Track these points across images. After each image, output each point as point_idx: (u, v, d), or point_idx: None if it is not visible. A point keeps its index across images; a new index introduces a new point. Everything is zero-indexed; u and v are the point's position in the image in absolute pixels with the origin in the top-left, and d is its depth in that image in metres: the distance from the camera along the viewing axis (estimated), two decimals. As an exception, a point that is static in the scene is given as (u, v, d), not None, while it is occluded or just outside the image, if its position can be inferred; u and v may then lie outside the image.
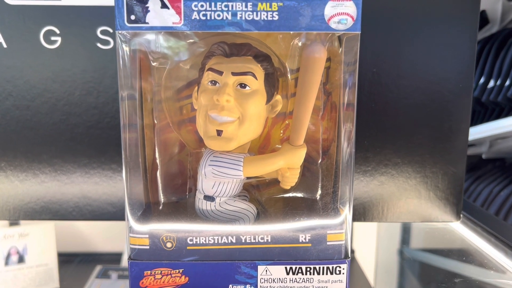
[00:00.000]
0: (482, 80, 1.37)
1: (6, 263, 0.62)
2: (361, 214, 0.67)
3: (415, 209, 0.67)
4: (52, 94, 0.62)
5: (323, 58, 0.43)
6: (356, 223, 0.70)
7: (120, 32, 0.42)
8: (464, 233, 0.68)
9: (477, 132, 1.34)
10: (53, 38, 0.60)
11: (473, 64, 0.62)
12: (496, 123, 1.29)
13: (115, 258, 0.77)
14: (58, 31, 0.60)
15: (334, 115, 0.50)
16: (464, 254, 0.64)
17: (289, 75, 0.49)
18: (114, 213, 0.66)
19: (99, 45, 0.61)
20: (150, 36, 0.46)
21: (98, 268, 0.73)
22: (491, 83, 1.35)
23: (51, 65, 0.61)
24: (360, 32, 0.42)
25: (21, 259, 0.63)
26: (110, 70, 0.61)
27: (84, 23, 0.60)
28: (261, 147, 0.53)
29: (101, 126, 0.63)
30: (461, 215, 0.67)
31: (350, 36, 0.44)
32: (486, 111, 1.43)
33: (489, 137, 1.35)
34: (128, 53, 0.44)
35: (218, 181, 0.47)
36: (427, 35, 0.62)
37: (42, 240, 0.64)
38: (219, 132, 0.44)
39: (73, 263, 0.75)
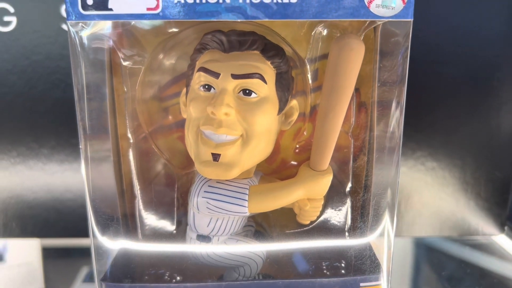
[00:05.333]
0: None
1: (-17, 262, 0.58)
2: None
3: (451, 221, 0.59)
4: (8, 89, 0.55)
5: (360, 55, 0.32)
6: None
7: (73, 23, 0.31)
8: (508, 247, 0.61)
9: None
10: (6, 19, 0.53)
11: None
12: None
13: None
14: (12, 10, 0.53)
15: (362, 118, 0.40)
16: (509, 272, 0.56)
17: (308, 66, 0.40)
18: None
19: (64, 26, 0.53)
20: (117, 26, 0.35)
21: (85, 270, 0.64)
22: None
23: (5, 52, 0.54)
24: (412, 20, 0.31)
25: (0, 258, 0.58)
26: (80, 57, 0.52)
27: (45, -1, 0.53)
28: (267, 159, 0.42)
29: (73, 126, 0.54)
30: (506, 227, 0.60)
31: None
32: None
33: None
34: (89, 52, 0.34)
35: (215, 217, 0.36)
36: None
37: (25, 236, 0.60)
38: (215, 157, 0.35)
39: (59, 260, 0.66)
